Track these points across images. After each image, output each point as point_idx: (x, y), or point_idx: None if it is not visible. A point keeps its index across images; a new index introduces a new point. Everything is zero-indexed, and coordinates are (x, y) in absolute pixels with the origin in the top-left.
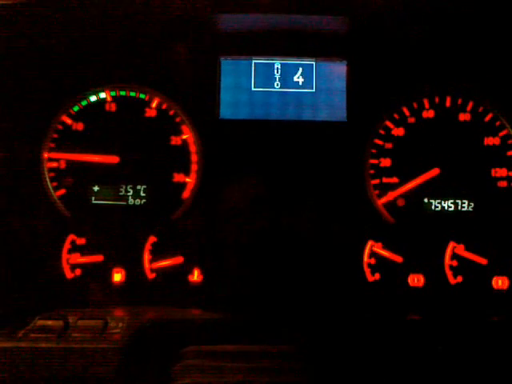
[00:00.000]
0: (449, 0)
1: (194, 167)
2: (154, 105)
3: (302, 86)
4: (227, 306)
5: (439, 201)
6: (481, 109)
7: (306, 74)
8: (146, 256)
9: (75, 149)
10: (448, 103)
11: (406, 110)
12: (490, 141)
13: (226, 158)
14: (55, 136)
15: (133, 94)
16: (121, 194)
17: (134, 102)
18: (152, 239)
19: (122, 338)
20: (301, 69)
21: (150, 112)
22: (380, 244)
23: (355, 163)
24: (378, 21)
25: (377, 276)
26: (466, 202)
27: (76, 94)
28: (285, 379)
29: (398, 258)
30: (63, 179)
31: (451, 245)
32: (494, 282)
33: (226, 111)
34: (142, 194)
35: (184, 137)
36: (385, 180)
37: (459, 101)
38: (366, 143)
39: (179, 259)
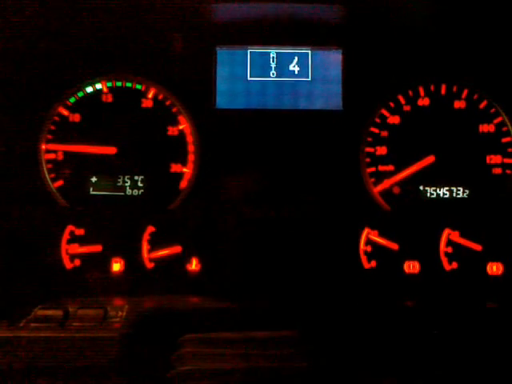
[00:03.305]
0: None
1: (191, 157)
2: (150, 95)
3: (298, 75)
4: (225, 294)
5: (434, 188)
6: (476, 96)
7: (302, 63)
8: (145, 246)
9: (72, 140)
10: (443, 91)
11: (401, 98)
12: (484, 128)
13: (222, 147)
14: (52, 127)
15: (129, 84)
16: (118, 184)
17: (130, 93)
18: (150, 229)
19: (122, 327)
20: (296, 58)
21: (147, 103)
22: (376, 231)
23: (351, 151)
24: (373, 9)
25: (373, 263)
26: (461, 189)
27: (72, 85)
28: (285, 365)
29: (394, 246)
30: (61, 170)
31: (446, 231)
32: (488, 268)
33: (222, 101)
34: (140, 184)
35: (181, 127)
36: (380, 168)
37: (454, 88)
38: (362, 131)
39: (177, 248)
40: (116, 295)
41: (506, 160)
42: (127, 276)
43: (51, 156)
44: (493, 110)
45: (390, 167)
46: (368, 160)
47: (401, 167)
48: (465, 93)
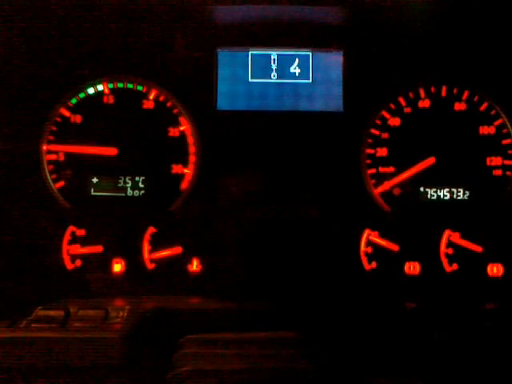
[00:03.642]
0: None
1: (192, 158)
2: (151, 97)
3: (299, 77)
4: (226, 295)
5: (435, 190)
6: (476, 98)
7: (303, 65)
8: (146, 246)
9: (74, 141)
10: (443, 93)
11: (401, 100)
12: (485, 130)
13: (223, 148)
14: (54, 128)
15: (130, 85)
16: (119, 185)
17: (131, 94)
18: (151, 230)
19: (123, 328)
20: (297, 60)
21: (148, 104)
22: (376, 233)
23: (352, 153)
24: (374, 11)
25: (373, 264)
26: (462, 190)
27: (74, 86)
28: (285, 366)
29: (395, 247)
30: (62, 171)
31: (447, 233)
32: (489, 269)
33: (223, 102)
34: (141, 185)
35: (182, 128)
36: (381, 169)
37: (455, 90)
38: (363, 133)
39: (178, 249)
40: (117, 296)
41: (507, 162)
42: (128, 277)
43: (52, 157)
44: (493, 112)
45: (391, 169)
46: (368, 161)
47: (401, 169)
48: (465, 95)
